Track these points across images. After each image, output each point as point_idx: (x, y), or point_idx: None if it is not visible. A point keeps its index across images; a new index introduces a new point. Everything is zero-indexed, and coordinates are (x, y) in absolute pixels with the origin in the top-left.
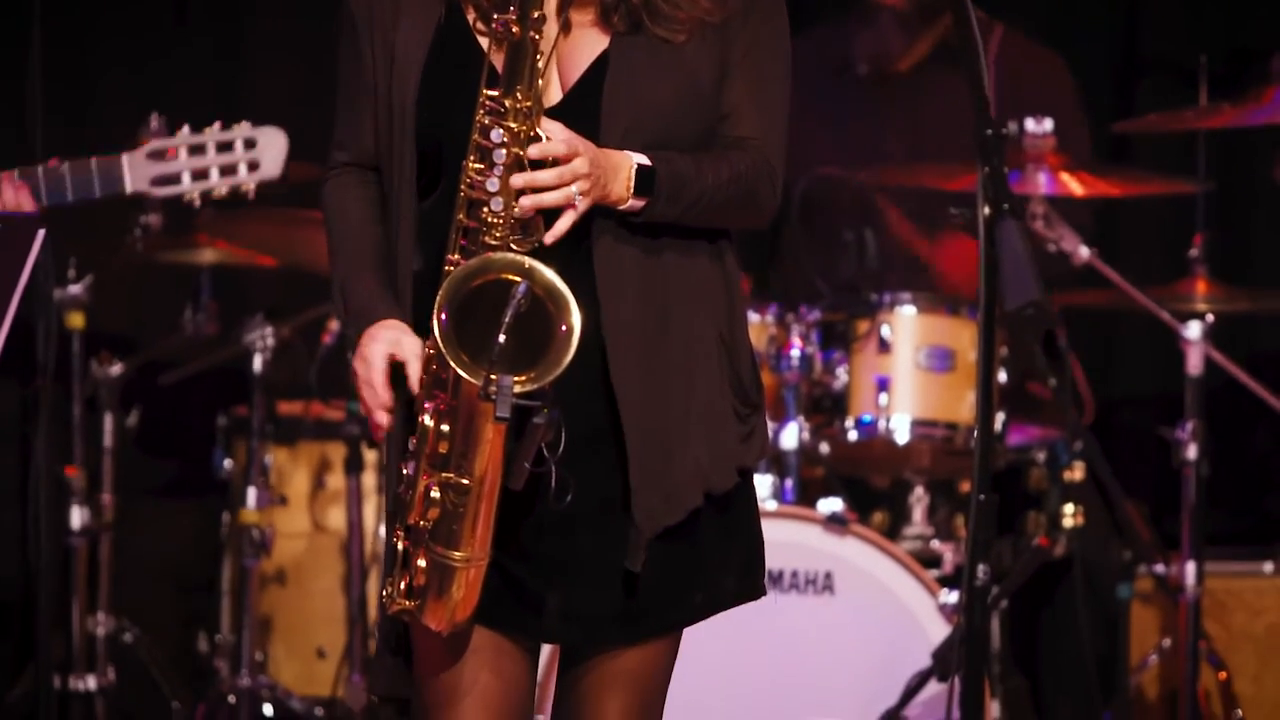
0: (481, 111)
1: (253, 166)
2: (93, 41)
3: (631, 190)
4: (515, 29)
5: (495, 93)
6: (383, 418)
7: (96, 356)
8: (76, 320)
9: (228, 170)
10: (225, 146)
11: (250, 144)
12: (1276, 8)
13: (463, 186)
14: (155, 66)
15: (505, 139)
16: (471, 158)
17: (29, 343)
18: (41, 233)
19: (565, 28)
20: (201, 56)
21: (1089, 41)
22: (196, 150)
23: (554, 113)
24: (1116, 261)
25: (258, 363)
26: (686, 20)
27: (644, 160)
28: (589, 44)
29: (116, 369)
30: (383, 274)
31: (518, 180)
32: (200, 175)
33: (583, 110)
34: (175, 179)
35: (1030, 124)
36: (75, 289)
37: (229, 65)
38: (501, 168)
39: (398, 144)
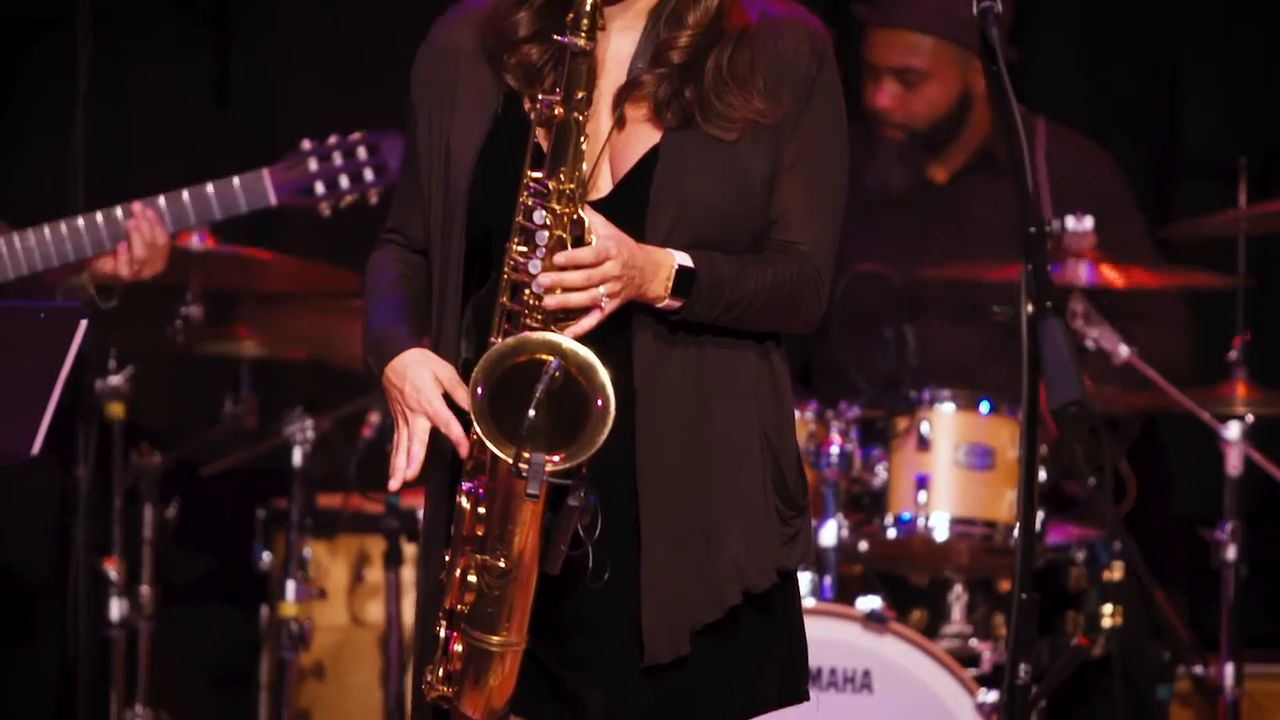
0: (525, 193)
1: (378, 171)
2: (134, 119)
3: (669, 290)
4: (559, 110)
5: (539, 174)
6: (457, 428)
7: (136, 448)
8: (117, 411)
9: (356, 177)
10: (350, 154)
11: (373, 149)
12: None
13: (506, 269)
14: (194, 145)
15: (548, 221)
16: (515, 240)
17: (70, 433)
18: (84, 323)
19: (619, 121)
20: (239, 136)
21: (1128, 142)
22: (325, 159)
23: (603, 204)
24: (1154, 362)
25: (297, 456)
26: (740, 119)
27: (686, 261)
28: (641, 138)
29: (156, 460)
30: (409, 314)
31: (545, 279)
32: (331, 184)
33: (631, 203)
34: (310, 189)
35: (1071, 221)
36: (116, 380)
37: (267, 147)
38: (544, 250)
39: (449, 231)
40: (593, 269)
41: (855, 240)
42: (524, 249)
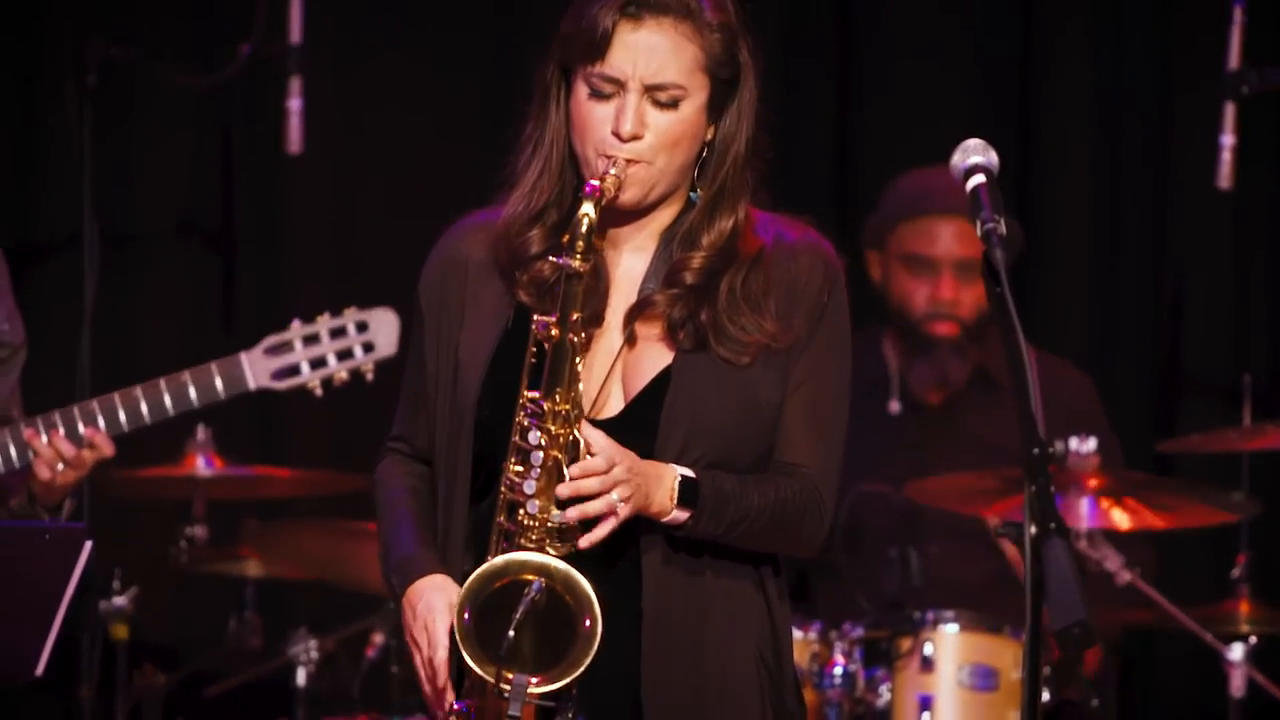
0: (522, 414)
1: (368, 348)
2: (141, 341)
3: (675, 501)
4: (555, 331)
5: (535, 395)
6: (441, 655)
7: (140, 668)
8: (121, 632)
9: (344, 355)
10: (339, 332)
11: (362, 327)
12: None
13: (503, 488)
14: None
15: (543, 441)
16: (511, 460)
17: (73, 654)
18: (89, 544)
19: (630, 340)
20: None
21: (1131, 359)
22: (311, 340)
23: (614, 424)
24: (1158, 581)
25: (301, 676)
26: (752, 343)
27: (688, 472)
28: (653, 358)
29: (160, 681)
30: (427, 534)
31: (563, 490)
32: (318, 363)
33: (642, 424)
34: (295, 370)
35: (1074, 443)
36: (120, 600)
37: None
38: (539, 470)
39: (456, 444)
40: (605, 475)
41: (861, 455)
42: (520, 469)
